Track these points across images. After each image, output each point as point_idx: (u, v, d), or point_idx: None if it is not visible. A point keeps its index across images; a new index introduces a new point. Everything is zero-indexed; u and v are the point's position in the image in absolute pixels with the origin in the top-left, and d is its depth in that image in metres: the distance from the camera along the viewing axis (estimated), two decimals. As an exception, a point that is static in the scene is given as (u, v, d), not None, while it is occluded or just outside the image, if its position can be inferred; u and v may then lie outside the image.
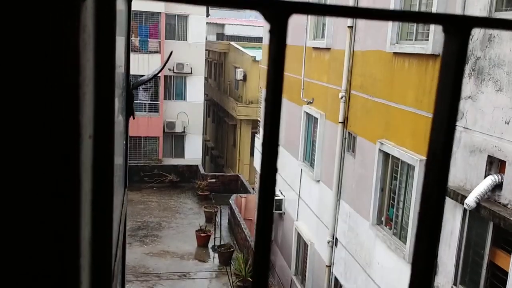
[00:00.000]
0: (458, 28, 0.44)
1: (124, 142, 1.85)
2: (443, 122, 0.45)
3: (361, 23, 9.79)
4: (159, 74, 24.12)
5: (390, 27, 8.47)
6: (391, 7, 8.41)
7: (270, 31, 0.39)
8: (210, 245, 17.03)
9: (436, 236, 0.47)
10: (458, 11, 6.63)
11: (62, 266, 0.59)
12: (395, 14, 0.45)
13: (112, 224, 1.11)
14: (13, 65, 0.51)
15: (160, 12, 24.34)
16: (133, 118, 1.90)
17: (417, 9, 7.98)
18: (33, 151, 0.53)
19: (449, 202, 6.77)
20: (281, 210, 14.37)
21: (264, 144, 0.40)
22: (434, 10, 7.20)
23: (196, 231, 17.31)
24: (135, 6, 25.59)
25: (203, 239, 17.03)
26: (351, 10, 0.44)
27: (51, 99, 0.52)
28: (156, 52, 24.34)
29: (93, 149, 0.79)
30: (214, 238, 16.91)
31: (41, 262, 0.58)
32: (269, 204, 0.42)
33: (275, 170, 0.41)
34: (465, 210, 6.39)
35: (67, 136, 0.54)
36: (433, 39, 7.19)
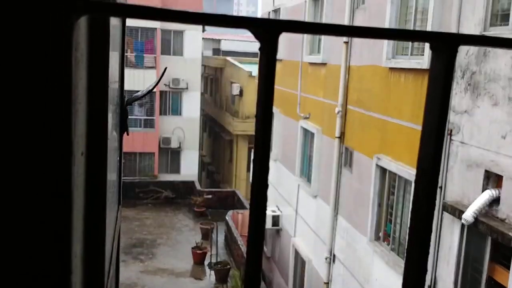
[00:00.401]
0: (445, 46, 0.45)
1: (118, 158, 1.83)
2: (431, 136, 0.47)
3: (357, 38, 9.85)
4: (155, 90, 24.15)
5: (385, 42, 8.52)
6: (386, 21, 8.47)
7: (260, 49, 0.40)
8: (206, 262, 16.85)
9: (427, 248, 0.47)
10: (453, 25, 6.68)
11: (52, 284, 0.58)
12: (383, 33, 0.46)
13: (105, 241, 1.08)
14: (4, 83, 0.51)
15: (156, 28, 24.46)
16: (127, 134, 1.87)
17: (412, 24, 8.04)
18: (23, 168, 0.53)
19: (446, 217, 6.73)
20: (278, 226, 14.27)
21: (255, 162, 0.41)
22: (429, 24, 7.25)
23: (192, 248, 17.14)
24: (130, 22, 25.59)
25: (199, 256, 16.86)
26: (340, 28, 0.44)
27: (42, 117, 0.53)
28: (152, 67, 24.40)
29: (86, 166, 0.79)
30: (211, 255, 16.74)
31: (31, 283, 0.57)
32: (261, 217, 0.43)
33: (266, 184, 0.42)
34: (463, 225, 6.35)
35: (58, 153, 0.54)
36: (429, 54, 7.22)
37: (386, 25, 8.49)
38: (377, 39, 0.46)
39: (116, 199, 1.80)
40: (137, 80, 23.22)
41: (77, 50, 0.59)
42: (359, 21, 9.74)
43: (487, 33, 6.16)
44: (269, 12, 15.54)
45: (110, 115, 1.33)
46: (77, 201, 0.65)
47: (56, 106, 0.53)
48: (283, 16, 14.25)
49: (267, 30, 0.39)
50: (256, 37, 0.39)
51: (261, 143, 0.40)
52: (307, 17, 12.27)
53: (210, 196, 22.36)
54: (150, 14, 0.42)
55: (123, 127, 1.84)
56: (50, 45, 0.51)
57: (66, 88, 0.53)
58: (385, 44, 8.52)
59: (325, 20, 11.20)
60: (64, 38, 0.52)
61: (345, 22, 10.02)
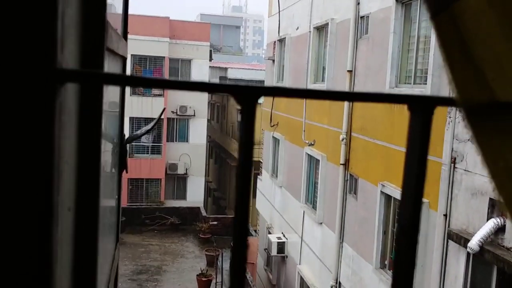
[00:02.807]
0: (422, 107, 0.47)
1: (117, 197, 1.85)
2: (411, 198, 0.48)
3: (361, 67, 9.98)
4: (162, 117, 24.37)
5: (389, 70, 8.63)
6: (389, 50, 8.60)
7: (240, 112, 0.45)
8: (211, 289, 16.71)
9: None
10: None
11: None
12: (361, 96, 0.50)
13: None
14: None
15: (164, 57, 24.86)
16: (126, 172, 1.91)
17: (414, 53, 8.15)
18: (4, 229, 0.53)
19: (452, 246, 6.69)
20: (284, 253, 14.17)
21: (235, 216, 0.45)
22: (431, 53, 7.36)
23: (197, 275, 17.02)
24: (139, 51, 25.71)
25: (204, 284, 16.71)
26: (317, 93, 0.48)
27: (22, 181, 0.53)
28: (160, 95, 24.69)
29: (75, 221, 0.79)
30: (216, 282, 16.60)
31: None
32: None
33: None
34: (468, 254, 6.31)
35: (39, 210, 0.54)
36: (431, 83, 7.30)
37: (389, 54, 8.62)
38: (356, 102, 0.50)
39: (114, 238, 1.82)
40: (145, 108, 23.50)
41: (63, 113, 0.59)
42: (363, 51, 9.89)
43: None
44: (275, 42, 15.78)
45: (110, 155, 1.36)
46: (63, 257, 0.63)
47: (37, 169, 0.52)
48: (288, 45, 14.47)
49: (245, 95, 0.44)
50: (237, 101, 0.44)
51: (241, 197, 0.44)
52: (312, 46, 12.46)
53: (215, 223, 22.29)
54: (132, 82, 0.45)
55: (122, 166, 1.86)
56: (33, 112, 0.51)
57: (48, 152, 0.53)
58: (388, 73, 8.63)
59: (329, 49, 11.37)
60: (46, 103, 0.51)
61: (349, 51, 10.17)
